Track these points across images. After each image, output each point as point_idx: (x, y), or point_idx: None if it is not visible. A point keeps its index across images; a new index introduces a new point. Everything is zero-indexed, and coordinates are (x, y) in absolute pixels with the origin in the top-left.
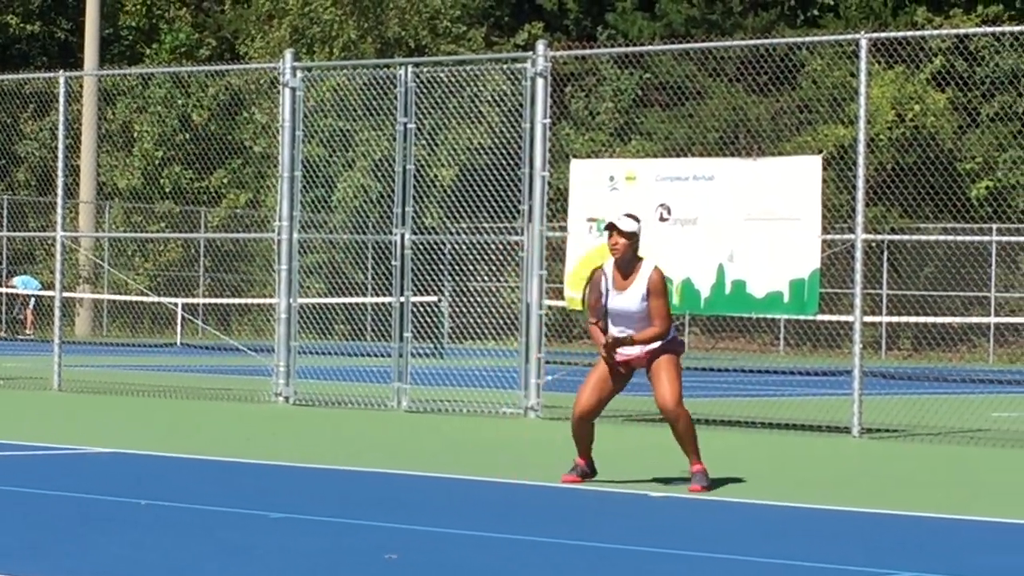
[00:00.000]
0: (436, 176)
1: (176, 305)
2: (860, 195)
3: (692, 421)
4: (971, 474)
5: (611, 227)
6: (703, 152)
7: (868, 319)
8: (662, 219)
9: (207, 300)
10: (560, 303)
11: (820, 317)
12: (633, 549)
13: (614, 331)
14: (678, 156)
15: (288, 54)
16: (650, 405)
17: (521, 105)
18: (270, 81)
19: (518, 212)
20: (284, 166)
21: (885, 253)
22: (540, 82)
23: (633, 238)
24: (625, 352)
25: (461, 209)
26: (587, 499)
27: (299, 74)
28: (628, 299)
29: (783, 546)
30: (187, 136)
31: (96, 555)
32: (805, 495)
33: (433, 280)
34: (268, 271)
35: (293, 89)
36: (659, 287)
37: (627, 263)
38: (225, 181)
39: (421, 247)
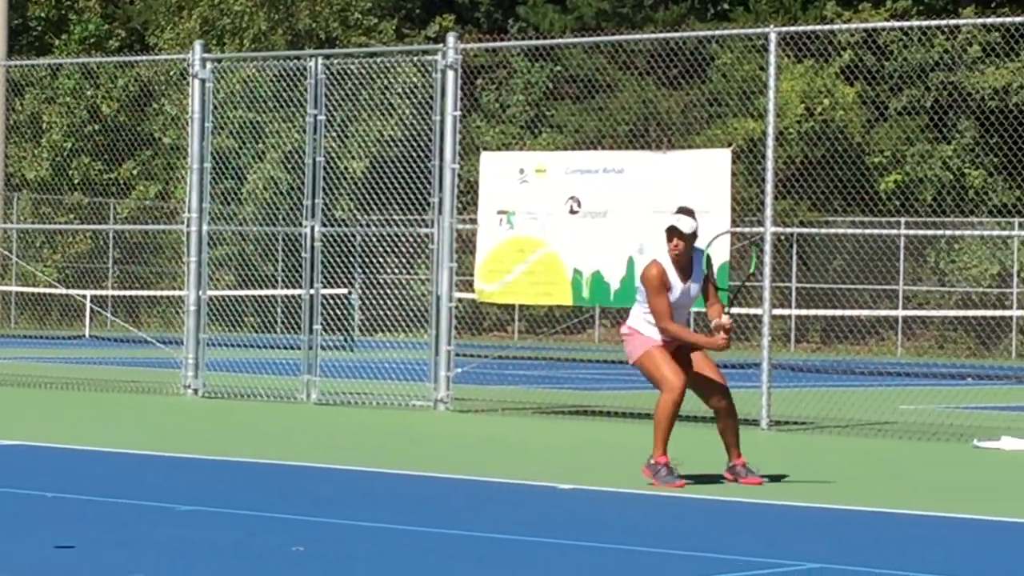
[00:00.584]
0: (346, 168)
1: (85, 297)
2: (769, 188)
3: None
4: (879, 466)
5: (672, 230)
6: (613, 145)
7: (777, 312)
8: (572, 211)
9: (116, 292)
10: (470, 295)
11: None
12: (537, 540)
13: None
14: (588, 149)
15: (198, 45)
16: (571, 398)
17: (432, 97)
18: (180, 72)
19: (428, 204)
20: (194, 158)
21: (794, 246)
22: (451, 74)
23: (693, 238)
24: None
25: (371, 201)
26: (496, 491)
27: (209, 65)
28: (692, 291)
29: (688, 538)
30: (96, 127)
31: (0, 549)
32: (712, 488)
33: (343, 272)
34: (177, 263)
35: (203, 80)
36: (711, 266)
37: (687, 262)
38: (134, 173)
39: (331, 239)
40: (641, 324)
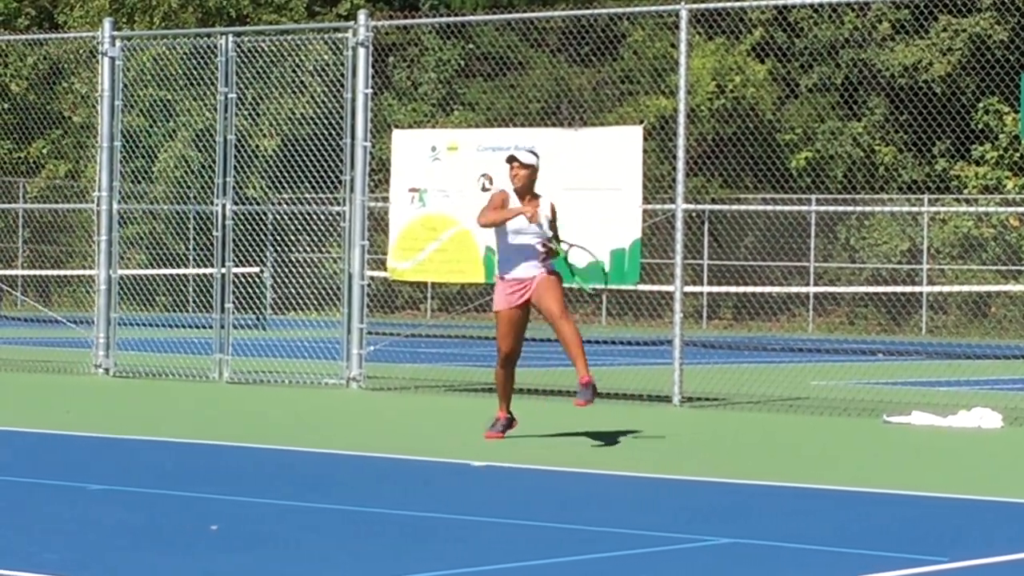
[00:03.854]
0: (258, 147)
1: None
2: (681, 165)
3: (577, 330)
4: (790, 441)
5: (512, 159)
6: (525, 122)
7: (689, 289)
8: (484, 189)
9: (26, 272)
10: (382, 274)
11: (641, 287)
12: (450, 517)
13: (515, 246)
14: (500, 126)
15: (107, 23)
16: (473, 376)
17: (343, 75)
18: (89, 51)
19: (340, 183)
20: (104, 136)
21: (706, 223)
22: (362, 52)
23: (532, 170)
24: (521, 276)
25: (283, 180)
26: (409, 469)
27: (118, 43)
28: (526, 223)
29: (601, 514)
30: (5, 106)
31: None
32: (625, 463)
33: (255, 251)
34: (88, 242)
35: (112, 59)
36: (555, 216)
37: (526, 192)
38: (44, 152)
39: (243, 218)
40: (497, 265)
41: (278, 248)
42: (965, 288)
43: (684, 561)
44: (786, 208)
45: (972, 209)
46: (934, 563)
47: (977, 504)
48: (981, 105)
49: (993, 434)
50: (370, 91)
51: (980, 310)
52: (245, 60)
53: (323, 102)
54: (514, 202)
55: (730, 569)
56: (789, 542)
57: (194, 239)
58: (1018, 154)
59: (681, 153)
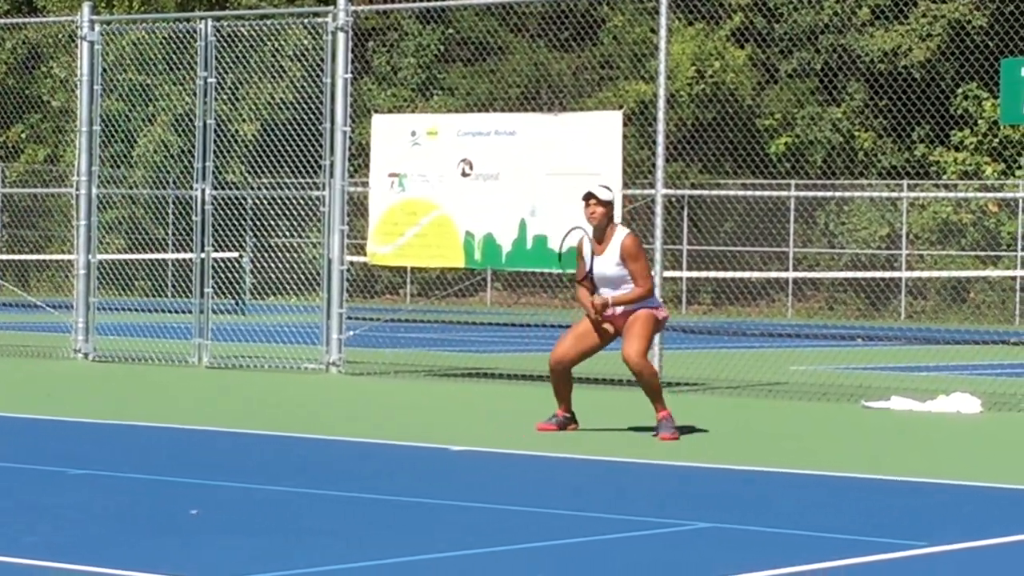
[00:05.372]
0: (238, 131)
1: None
2: (660, 151)
3: (655, 374)
4: (769, 427)
5: (589, 196)
6: (505, 108)
7: (668, 274)
8: (464, 174)
9: (5, 256)
10: (362, 259)
11: None
12: (429, 502)
13: (604, 293)
14: (480, 111)
15: (86, 7)
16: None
17: (323, 60)
18: (69, 35)
19: (320, 167)
20: (83, 121)
21: (685, 209)
22: (341, 37)
23: (609, 207)
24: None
25: (263, 164)
26: (388, 453)
27: (97, 28)
28: (604, 263)
29: (580, 499)
30: None
31: None
32: (603, 448)
33: (235, 236)
34: (67, 227)
35: (91, 43)
36: (633, 251)
37: (601, 230)
38: (23, 136)
39: (222, 202)
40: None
41: (257, 233)
42: (944, 273)
43: (663, 545)
44: (765, 193)
45: (951, 195)
46: (913, 548)
47: (957, 489)
48: (960, 91)
49: (972, 419)
50: (350, 76)
51: (959, 295)
52: (225, 45)
53: (303, 87)
54: (588, 246)
55: (709, 553)
56: (768, 527)
57: (173, 224)
58: (997, 140)
59: (660, 138)
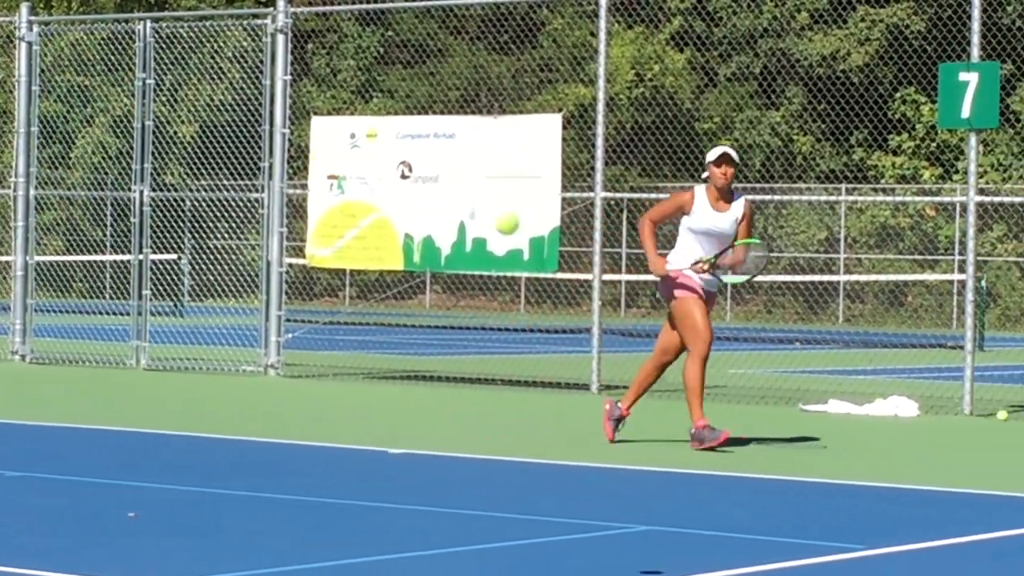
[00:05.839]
0: (176, 133)
1: None
2: (599, 154)
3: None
4: None
5: (726, 158)
6: (445, 110)
7: (607, 277)
8: (403, 176)
9: None
10: (301, 261)
11: (560, 275)
12: (368, 505)
13: (699, 252)
14: (420, 114)
15: (24, 8)
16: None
17: (262, 62)
18: (6, 36)
19: (259, 169)
20: (20, 122)
21: (625, 212)
22: (280, 39)
23: (736, 168)
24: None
25: (202, 166)
26: (326, 456)
27: (36, 28)
28: (724, 220)
29: (521, 502)
30: None
31: None
32: (543, 451)
33: (173, 237)
34: (4, 228)
35: (30, 44)
36: (750, 216)
37: (728, 192)
38: None
39: (161, 204)
40: (680, 259)
41: (196, 235)
42: (882, 277)
43: (601, 548)
44: None
45: (889, 199)
46: (851, 550)
47: (894, 492)
48: (898, 95)
49: (909, 422)
50: (289, 78)
51: (896, 299)
52: (163, 46)
53: (242, 89)
54: (703, 200)
55: (647, 556)
56: (706, 529)
57: (111, 225)
58: (934, 144)
59: (600, 141)
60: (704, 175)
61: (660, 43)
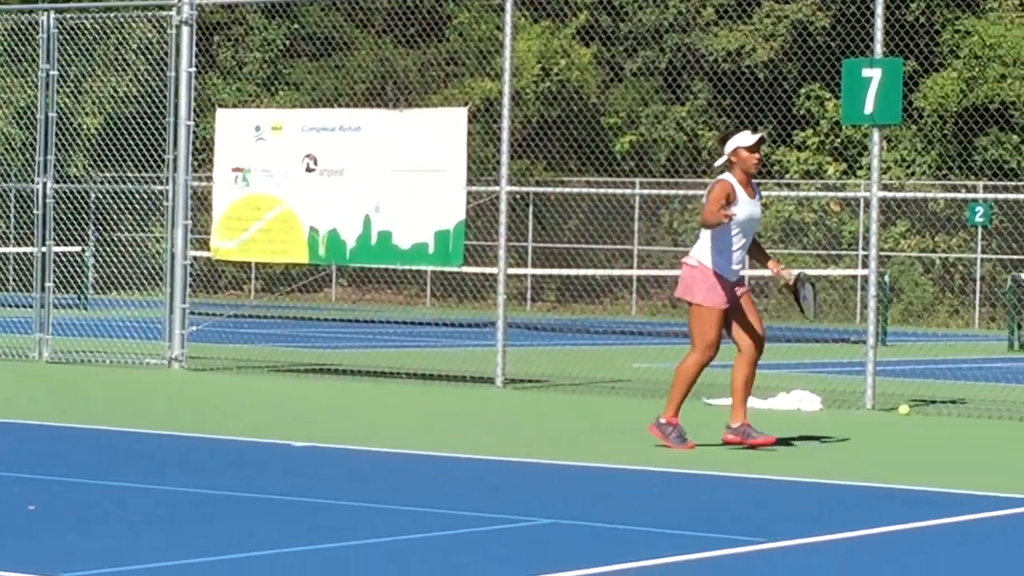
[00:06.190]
0: (81, 125)
1: None
2: (505, 148)
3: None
4: (611, 423)
5: (763, 140)
6: (351, 103)
7: (513, 271)
8: (308, 169)
9: None
10: (206, 254)
11: (465, 269)
12: (270, 498)
13: (741, 241)
14: (326, 107)
15: None
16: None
17: (167, 54)
18: None
19: (164, 162)
20: None
21: (531, 206)
22: (186, 31)
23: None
24: (734, 278)
25: (106, 158)
26: (230, 449)
27: None
28: (756, 206)
29: (420, 495)
30: None
31: None
32: (447, 444)
33: (77, 230)
34: None
35: None
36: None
37: (753, 176)
38: None
39: (65, 196)
40: (707, 256)
41: (100, 227)
42: (785, 272)
43: (503, 541)
44: (610, 191)
45: (794, 194)
46: (751, 544)
47: (795, 485)
48: (803, 91)
49: (812, 416)
50: (194, 70)
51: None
52: (68, 37)
53: (147, 81)
54: (739, 189)
55: (549, 549)
56: (608, 523)
57: (14, 217)
58: (839, 140)
59: (505, 135)
60: (722, 161)
61: (566, 38)
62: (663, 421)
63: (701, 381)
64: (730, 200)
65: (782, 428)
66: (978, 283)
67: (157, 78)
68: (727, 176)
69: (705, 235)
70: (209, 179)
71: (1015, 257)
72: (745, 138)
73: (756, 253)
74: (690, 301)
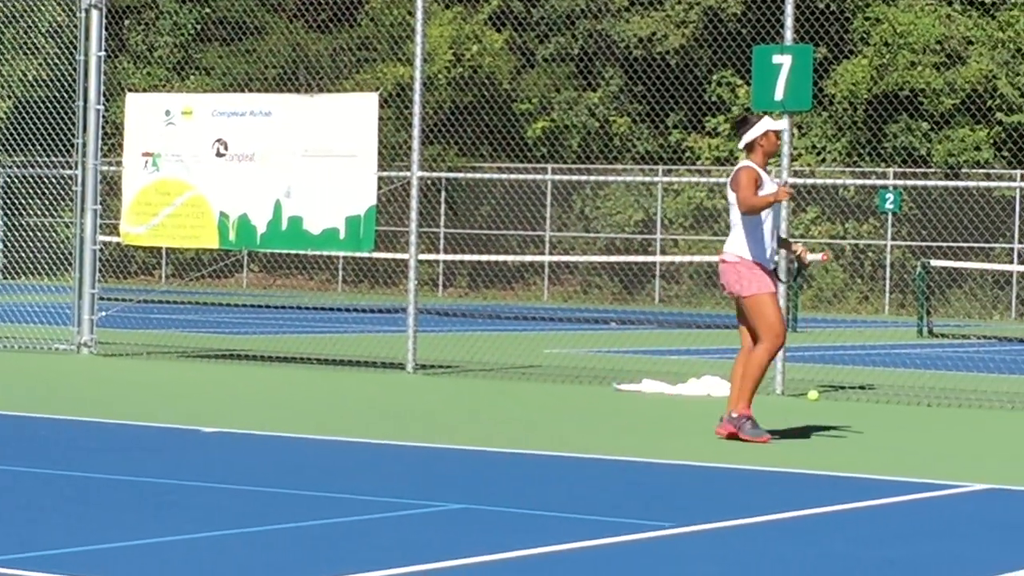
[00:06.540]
0: None
1: None
2: (416, 133)
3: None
4: (522, 409)
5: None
6: (263, 88)
7: (424, 257)
8: (219, 154)
9: None
10: (115, 239)
11: (377, 255)
12: (180, 483)
13: (770, 227)
14: (238, 92)
15: None
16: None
17: (76, 38)
18: None
19: (73, 146)
20: None
21: (443, 192)
22: (95, 14)
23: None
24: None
25: (15, 142)
26: (139, 435)
27: None
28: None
29: (333, 480)
30: None
31: None
32: (357, 429)
33: None
34: None
35: None
36: None
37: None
38: None
39: None
40: (744, 248)
41: (9, 212)
42: (697, 258)
43: (412, 527)
44: (522, 177)
45: (705, 180)
46: (657, 528)
47: (703, 470)
48: (715, 77)
49: (721, 402)
50: (103, 54)
51: (712, 280)
52: None
53: (56, 64)
54: (763, 173)
55: (459, 534)
56: (519, 508)
57: None
58: None
59: (417, 121)
60: (746, 143)
61: (479, 23)
62: (735, 415)
63: (610, 366)
64: (758, 185)
65: (692, 414)
66: (888, 269)
67: (67, 62)
68: (749, 162)
69: (737, 230)
70: (119, 164)
71: (925, 244)
72: (769, 124)
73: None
74: (742, 295)
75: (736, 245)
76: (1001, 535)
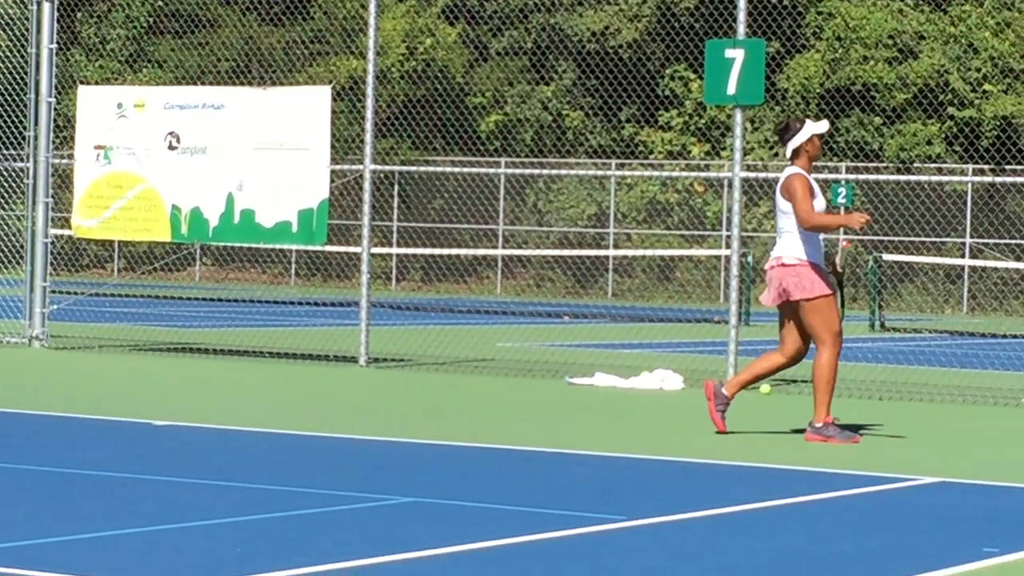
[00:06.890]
0: None
1: None
2: (369, 126)
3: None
4: (475, 402)
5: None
6: (216, 81)
7: (377, 250)
8: (171, 147)
9: None
10: (67, 232)
11: (329, 248)
12: (131, 476)
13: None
14: (191, 85)
15: None
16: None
17: (28, 30)
18: None
19: (24, 139)
20: None
21: (396, 185)
22: (47, 7)
23: None
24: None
25: None
26: (90, 428)
27: None
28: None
29: (285, 474)
30: None
31: None
32: (309, 423)
33: None
34: None
35: None
36: None
37: None
38: None
39: None
40: (802, 251)
41: None
42: (650, 252)
43: (362, 520)
44: (475, 170)
45: (658, 174)
46: (611, 521)
47: (657, 464)
48: (668, 72)
49: (674, 395)
50: (55, 46)
51: (665, 274)
52: None
53: (8, 57)
54: (813, 181)
55: (409, 528)
56: (471, 501)
57: None
58: (703, 121)
59: (370, 114)
60: (793, 148)
61: (432, 17)
62: (819, 425)
63: (562, 360)
64: (812, 193)
65: (644, 407)
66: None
67: (18, 54)
68: (798, 168)
69: (791, 235)
70: (71, 157)
71: (877, 238)
72: (818, 126)
73: None
74: (807, 297)
75: (793, 248)
76: (952, 528)
